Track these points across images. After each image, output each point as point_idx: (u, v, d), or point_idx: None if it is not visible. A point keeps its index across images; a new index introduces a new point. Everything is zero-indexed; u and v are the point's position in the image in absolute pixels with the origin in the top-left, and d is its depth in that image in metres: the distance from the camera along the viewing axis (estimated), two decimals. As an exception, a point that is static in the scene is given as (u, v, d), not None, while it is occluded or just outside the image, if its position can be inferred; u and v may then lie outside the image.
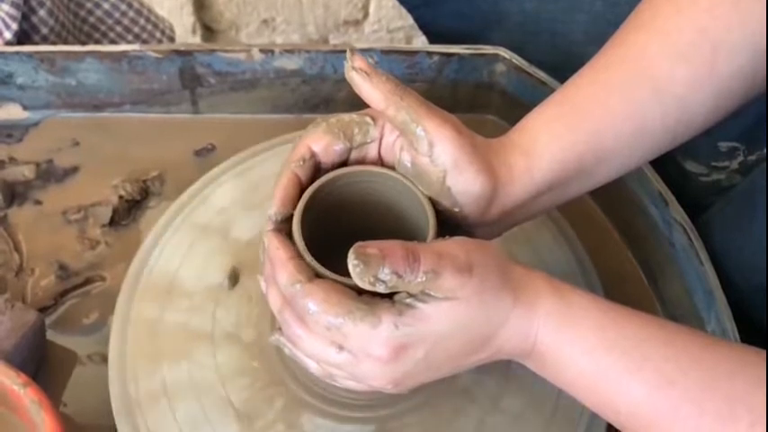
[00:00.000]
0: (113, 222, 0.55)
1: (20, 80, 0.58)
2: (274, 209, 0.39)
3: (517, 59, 0.58)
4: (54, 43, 0.63)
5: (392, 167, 0.41)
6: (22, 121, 0.60)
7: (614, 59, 0.42)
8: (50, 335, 0.50)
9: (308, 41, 1.24)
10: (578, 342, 0.36)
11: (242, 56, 0.58)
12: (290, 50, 0.58)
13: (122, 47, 0.58)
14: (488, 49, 0.59)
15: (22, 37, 0.61)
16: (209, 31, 1.25)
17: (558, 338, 0.36)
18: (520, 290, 0.37)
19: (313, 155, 0.40)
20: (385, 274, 0.34)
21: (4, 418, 0.42)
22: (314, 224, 0.40)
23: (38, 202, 0.56)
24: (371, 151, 0.41)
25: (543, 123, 0.41)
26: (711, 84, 0.41)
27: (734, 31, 0.40)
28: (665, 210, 0.53)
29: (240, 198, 0.53)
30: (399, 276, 0.34)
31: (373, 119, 0.41)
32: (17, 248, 0.54)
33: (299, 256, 0.38)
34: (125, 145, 0.59)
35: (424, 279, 0.35)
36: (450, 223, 0.40)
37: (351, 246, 0.34)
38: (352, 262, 0.34)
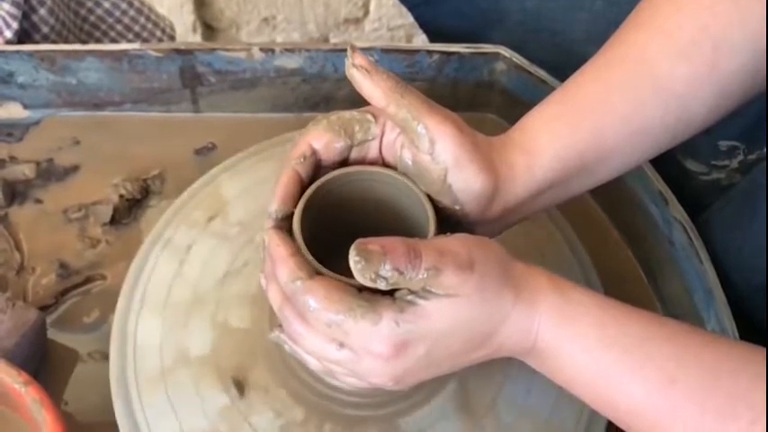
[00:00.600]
0: (114, 221, 0.56)
1: (20, 79, 0.58)
2: (275, 206, 0.39)
3: (517, 58, 0.58)
4: (55, 42, 0.63)
5: (393, 165, 0.41)
6: (22, 120, 0.60)
7: (615, 58, 0.42)
8: (51, 333, 0.50)
9: (309, 40, 1.24)
10: (579, 339, 0.36)
11: (242, 55, 0.58)
12: (290, 49, 0.58)
13: (123, 46, 0.58)
14: (489, 48, 0.59)
15: (23, 36, 0.61)
16: (209, 30, 1.25)
17: (559, 335, 0.37)
18: (521, 287, 0.37)
19: (314, 152, 0.40)
20: (386, 270, 0.34)
21: (6, 417, 0.42)
22: (314, 223, 0.40)
23: (38, 201, 0.57)
24: (372, 149, 0.41)
25: (544, 122, 0.41)
26: (712, 82, 0.41)
27: (734, 29, 0.40)
28: (665, 209, 0.53)
29: (241, 196, 0.53)
30: (401, 273, 0.34)
31: (374, 116, 0.41)
32: (18, 247, 0.54)
33: (300, 252, 0.38)
34: (125, 144, 0.59)
35: (425, 276, 0.35)
36: (451, 221, 0.40)
37: (351, 244, 0.34)
38: (353, 258, 0.34)
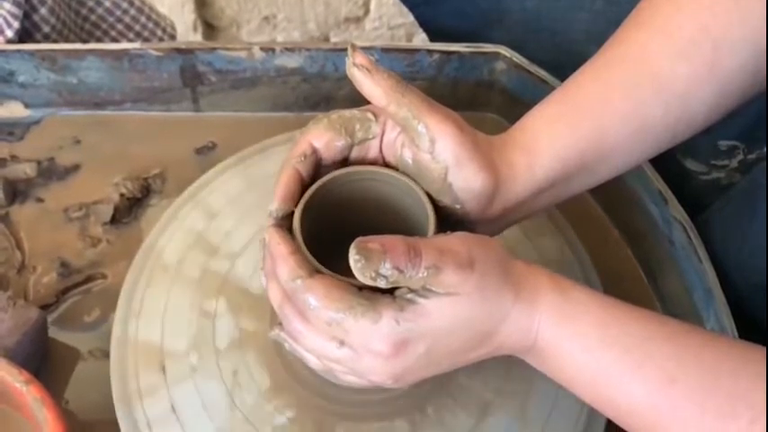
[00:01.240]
0: (114, 220, 0.56)
1: (21, 78, 0.58)
2: (275, 205, 0.40)
3: (517, 58, 0.58)
4: (55, 41, 0.63)
5: (393, 164, 0.41)
6: (23, 119, 0.60)
7: (615, 58, 0.42)
8: (52, 332, 0.50)
9: (309, 39, 1.24)
10: (579, 338, 0.36)
11: (243, 54, 0.58)
12: (290, 49, 0.58)
13: (123, 45, 0.58)
14: (489, 48, 0.59)
15: (24, 35, 0.61)
16: (210, 29, 1.25)
17: (559, 334, 0.37)
18: (521, 285, 0.37)
19: (314, 151, 0.41)
20: (386, 269, 0.34)
21: (7, 416, 0.42)
22: (315, 222, 0.40)
23: (39, 200, 0.57)
24: (373, 148, 0.41)
25: (544, 121, 0.41)
26: (712, 82, 0.41)
27: (735, 29, 0.40)
28: (665, 208, 0.53)
29: (241, 196, 0.53)
30: (401, 271, 0.34)
31: (375, 115, 0.41)
32: (19, 246, 0.54)
33: (301, 251, 0.38)
34: (126, 143, 0.59)
35: (425, 274, 0.35)
36: (451, 220, 0.40)
37: (352, 243, 0.34)
38: (353, 257, 0.34)
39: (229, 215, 0.52)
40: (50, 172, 0.58)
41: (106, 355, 0.47)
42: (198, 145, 0.60)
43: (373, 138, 0.41)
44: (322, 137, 0.41)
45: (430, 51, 0.59)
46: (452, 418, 0.44)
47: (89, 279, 0.53)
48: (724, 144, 0.56)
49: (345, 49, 0.38)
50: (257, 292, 0.48)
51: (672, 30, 0.41)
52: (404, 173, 0.41)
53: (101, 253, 0.54)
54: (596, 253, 0.53)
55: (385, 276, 0.34)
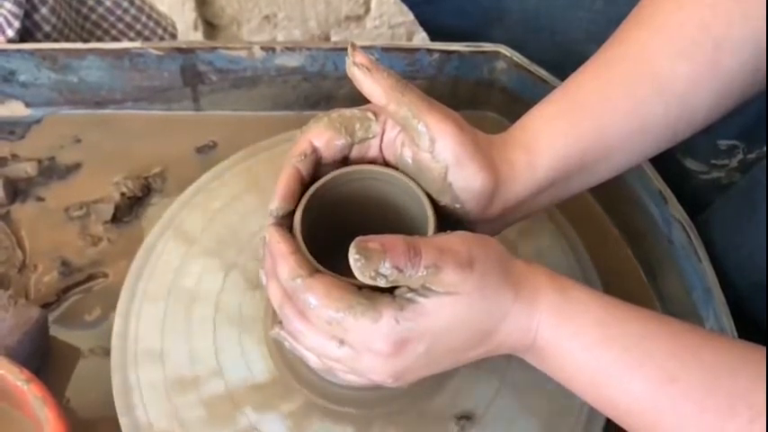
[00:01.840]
0: (115, 219, 0.56)
1: (22, 77, 0.59)
2: (276, 204, 0.40)
3: (518, 57, 0.58)
4: (56, 41, 0.63)
5: (393, 163, 0.41)
6: (24, 118, 0.60)
7: (616, 56, 0.42)
8: (53, 330, 0.50)
9: (310, 37, 1.24)
10: (578, 337, 0.36)
11: (243, 53, 0.58)
12: (291, 48, 0.58)
13: (124, 44, 0.58)
14: (489, 47, 0.59)
15: (25, 34, 0.61)
16: (210, 27, 1.25)
17: (559, 333, 0.37)
18: (521, 285, 0.37)
19: (314, 150, 0.41)
20: (386, 268, 0.34)
21: (8, 414, 0.42)
22: (315, 221, 0.40)
23: (40, 199, 0.57)
24: (373, 147, 0.41)
25: (545, 120, 0.42)
26: (713, 81, 0.41)
27: (736, 27, 0.40)
28: (665, 207, 0.53)
29: (241, 195, 0.53)
30: (400, 271, 0.34)
31: (375, 114, 0.41)
32: (20, 245, 0.54)
33: (300, 250, 0.38)
34: (127, 142, 0.60)
35: (425, 273, 0.35)
36: (451, 219, 0.41)
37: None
38: (353, 256, 0.34)
39: (230, 214, 0.52)
40: (51, 171, 0.58)
41: (107, 352, 0.47)
42: (198, 144, 0.60)
43: (373, 137, 0.41)
44: (322, 136, 0.41)
45: (430, 50, 0.59)
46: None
47: (90, 278, 0.53)
48: (724, 143, 0.56)
49: (345, 49, 0.39)
50: (257, 290, 0.48)
51: (673, 28, 0.41)
52: (404, 172, 0.41)
53: (101, 252, 0.54)
54: (596, 252, 0.53)
55: (385, 276, 0.34)
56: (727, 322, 0.47)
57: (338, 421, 0.44)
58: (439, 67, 0.60)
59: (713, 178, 0.58)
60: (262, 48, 0.58)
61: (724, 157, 0.57)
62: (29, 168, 0.58)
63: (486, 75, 0.60)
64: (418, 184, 0.40)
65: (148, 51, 0.58)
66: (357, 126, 0.41)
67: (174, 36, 0.76)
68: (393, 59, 0.59)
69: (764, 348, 0.36)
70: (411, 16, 0.70)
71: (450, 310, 0.36)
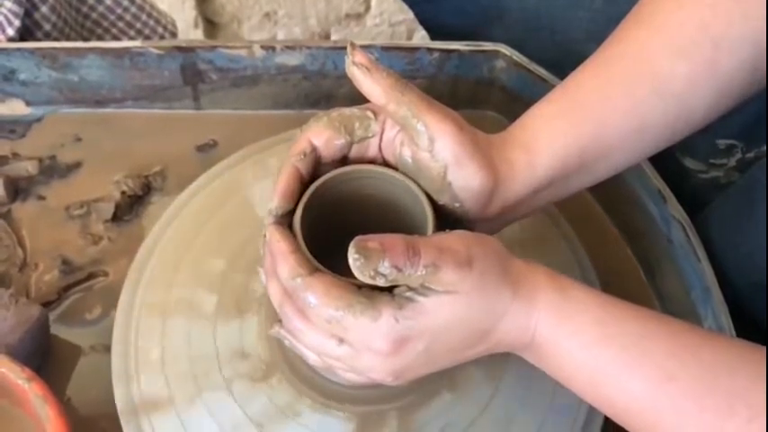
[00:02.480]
0: (116, 218, 0.56)
1: (22, 76, 0.59)
2: (275, 202, 0.40)
3: (517, 56, 0.58)
4: (56, 39, 0.63)
5: (393, 162, 0.42)
6: (24, 117, 0.60)
7: (615, 55, 0.42)
8: (54, 329, 0.50)
9: (310, 35, 1.24)
10: (577, 336, 0.36)
11: (243, 52, 0.58)
12: (291, 47, 0.58)
13: (124, 43, 0.58)
14: (489, 46, 0.59)
15: (25, 33, 0.62)
16: (210, 25, 1.25)
17: (557, 332, 0.37)
18: (519, 283, 0.37)
19: (314, 149, 0.41)
20: (385, 267, 0.34)
21: (9, 412, 0.42)
22: (315, 221, 0.40)
23: (41, 198, 0.57)
24: (372, 146, 0.41)
25: (544, 119, 0.42)
26: (711, 80, 0.41)
27: (735, 26, 0.40)
28: (664, 207, 0.53)
29: (242, 193, 0.53)
30: (399, 270, 0.34)
31: (374, 113, 0.41)
32: (21, 244, 0.54)
33: (300, 249, 0.38)
34: (127, 141, 0.60)
35: (424, 273, 0.35)
36: (450, 218, 0.41)
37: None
38: (352, 256, 0.34)
39: (230, 213, 0.52)
40: (52, 170, 0.58)
41: (107, 348, 0.47)
42: (199, 142, 0.60)
43: (373, 136, 0.41)
44: (321, 135, 0.41)
45: (430, 50, 0.59)
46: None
47: (90, 276, 0.53)
48: (722, 143, 0.56)
49: (345, 48, 0.39)
50: (256, 288, 0.49)
51: (672, 27, 0.41)
52: (403, 171, 0.41)
53: (102, 250, 0.54)
54: (595, 251, 0.53)
55: (384, 275, 0.34)
56: (726, 321, 0.47)
57: (337, 417, 0.44)
58: (439, 67, 0.60)
59: (712, 177, 0.58)
60: (262, 47, 0.58)
61: (723, 156, 0.57)
62: (29, 167, 0.58)
63: (485, 74, 0.60)
64: (417, 184, 0.40)
65: (149, 50, 0.58)
66: (356, 125, 0.41)
67: (174, 34, 0.76)
68: (393, 58, 0.59)
69: (763, 348, 0.36)
70: (411, 14, 0.70)
71: (449, 308, 0.36)
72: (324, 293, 0.36)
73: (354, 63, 0.38)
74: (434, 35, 0.69)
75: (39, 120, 0.61)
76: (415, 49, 0.59)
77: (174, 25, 0.77)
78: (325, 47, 0.59)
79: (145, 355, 0.46)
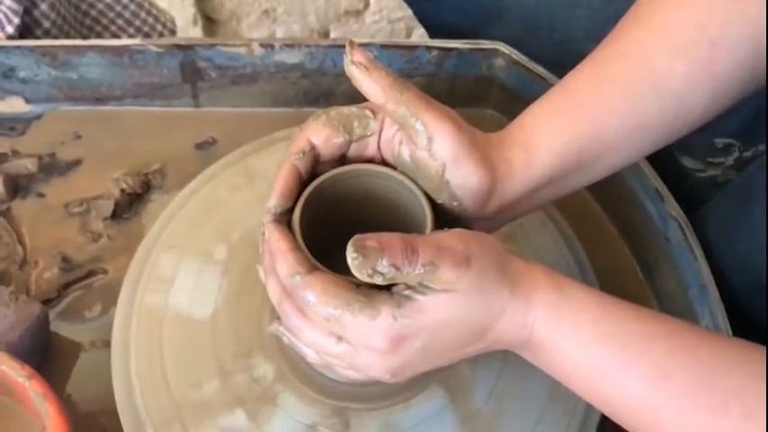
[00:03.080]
0: (115, 215, 0.56)
1: (22, 74, 0.59)
2: (274, 201, 0.40)
3: (516, 54, 0.59)
4: (56, 37, 0.63)
5: (391, 161, 0.42)
6: (24, 115, 0.60)
7: (613, 54, 0.42)
8: (54, 326, 0.50)
9: (309, 32, 1.24)
10: (575, 335, 0.37)
11: (242, 50, 0.58)
12: (290, 45, 0.58)
13: (124, 41, 0.58)
14: (487, 44, 0.59)
15: (24, 31, 0.62)
16: (210, 22, 1.25)
17: (555, 331, 0.37)
18: (517, 282, 0.37)
19: (312, 147, 0.41)
20: (383, 266, 0.34)
21: (10, 409, 0.42)
22: (314, 219, 0.40)
23: (40, 195, 0.57)
24: (371, 145, 0.41)
25: (543, 118, 0.42)
26: (709, 80, 0.41)
27: (733, 26, 0.40)
28: (662, 205, 0.53)
29: (240, 191, 0.53)
30: (397, 269, 0.34)
31: (373, 112, 0.41)
32: (20, 241, 0.54)
33: (299, 247, 0.38)
34: (126, 138, 0.60)
35: (422, 271, 0.35)
36: (448, 217, 0.41)
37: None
38: (351, 254, 0.34)
39: (229, 210, 0.52)
40: (51, 167, 0.58)
41: (107, 344, 0.48)
42: (198, 140, 0.60)
43: (371, 135, 0.41)
44: (320, 133, 0.41)
45: (429, 48, 0.59)
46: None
47: (90, 274, 0.53)
48: (720, 142, 0.57)
49: (344, 46, 0.39)
50: (255, 285, 0.49)
51: (670, 27, 0.41)
52: (401, 170, 0.41)
53: (102, 248, 0.55)
54: (593, 250, 0.53)
55: (382, 273, 0.35)
56: (722, 320, 0.47)
57: (336, 413, 0.44)
58: (438, 65, 0.60)
59: (709, 176, 0.58)
60: (261, 44, 0.58)
61: (720, 155, 0.57)
62: (29, 164, 0.58)
63: (484, 72, 0.60)
64: (416, 183, 0.40)
65: (148, 48, 0.58)
66: (355, 124, 0.41)
67: (173, 31, 0.76)
68: (392, 57, 0.59)
69: (760, 347, 0.36)
70: (410, 11, 0.70)
71: (447, 307, 0.36)
72: (322, 292, 0.36)
73: (353, 62, 0.38)
74: (433, 33, 0.69)
75: (38, 117, 0.61)
76: (414, 48, 0.59)
77: (172, 22, 0.77)
78: (324, 45, 0.59)
79: (144, 351, 0.47)
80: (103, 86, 0.60)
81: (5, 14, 0.59)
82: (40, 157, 0.58)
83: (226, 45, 0.58)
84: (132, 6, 0.71)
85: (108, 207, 0.56)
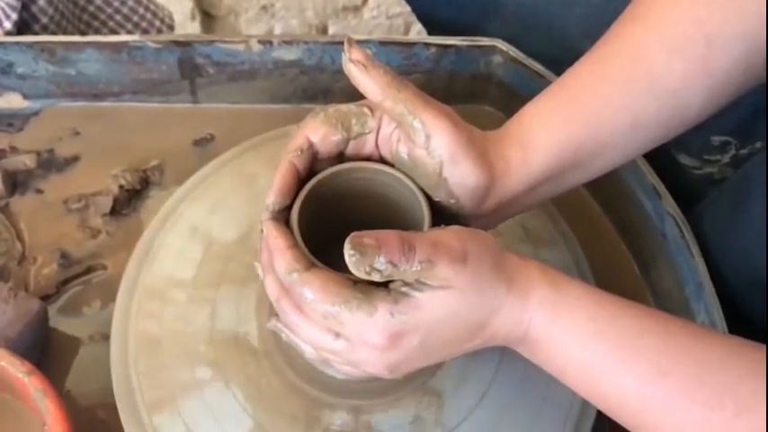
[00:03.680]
0: (114, 212, 0.56)
1: (20, 70, 0.59)
2: (272, 198, 0.40)
3: (514, 51, 0.59)
4: (53, 32, 0.63)
5: (389, 159, 0.42)
6: (22, 111, 0.60)
7: (610, 52, 0.42)
8: (53, 322, 0.50)
9: (307, 28, 1.24)
10: (571, 332, 0.37)
11: (241, 47, 0.58)
12: (288, 41, 0.58)
13: (122, 37, 0.58)
14: (485, 41, 0.59)
15: (22, 26, 0.62)
16: (207, 17, 1.24)
17: (551, 328, 0.37)
18: (514, 279, 0.37)
19: (311, 145, 0.41)
20: (381, 263, 0.35)
21: (10, 405, 0.42)
22: (312, 217, 0.41)
23: (39, 191, 0.57)
24: (369, 142, 0.42)
25: (540, 116, 0.42)
26: (705, 77, 0.41)
27: (729, 25, 0.40)
28: (658, 202, 0.53)
29: (239, 188, 0.53)
30: (395, 265, 0.35)
31: (371, 110, 0.41)
32: (19, 237, 0.54)
33: (297, 245, 0.38)
34: (125, 134, 0.60)
35: (419, 268, 0.35)
36: (446, 215, 0.41)
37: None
38: (348, 251, 0.34)
39: (228, 207, 0.52)
40: (50, 163, 0.58)
41: (106, 338, 0.48)
42: (196, 137, 0.60)
43: (369, 132, 0.41)
44: (318, 131, 0.41)
45: (427, 45, 0.59)
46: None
47: (89, 270, 0.54)
48: (717, 139, 0.57)
49: (343, 43, 0.39)
50: (254, 283, 0.49)
51: (668, 25, 0.41)
52: (399, 168, 0.41)
53: (100, 244, 0.55)
54: (590, 246, 0.53)
55: (379, 270, 0.35)
56: (718, 316, 0.47)
57: (335, 410, 0.44)
58: (436, 62, 0.60)
59: (706, 174, 0.59)
60: (259, 41, 0.58)
61: (717, 152, 0.57)
62: (27, 161, 0.58)
63: (482, 69, 0.61)
64: (413, 180, 0.41)
65: (146, 44, 0.58)
66: (353, 121, 0.41)
67: (171, 27, 0.76)
68: (390, 53, 0.59)
69: (756, 344, 0.36)
70: (409, 7, 0.70)
71: (444, 303, 0.36)
72: (320, 289, 0.36)
73: (351, 60, 0.38)
74: (431, 30, 0.69)
75: (36, 113, 0.61)
76: (412, 44, 0.59)
77: (171, 18, 0.77)
78: (323, 41, 0.59)
79: (144, 347, 0.47)
80: (101, 82, 0.60)
81: (3, 10, 0.59)
82: (38, 153, 0.59)
83: (224, 41, 0.58)
84: (130, 2, 0.71)
85: (107, 203, 0.56)
